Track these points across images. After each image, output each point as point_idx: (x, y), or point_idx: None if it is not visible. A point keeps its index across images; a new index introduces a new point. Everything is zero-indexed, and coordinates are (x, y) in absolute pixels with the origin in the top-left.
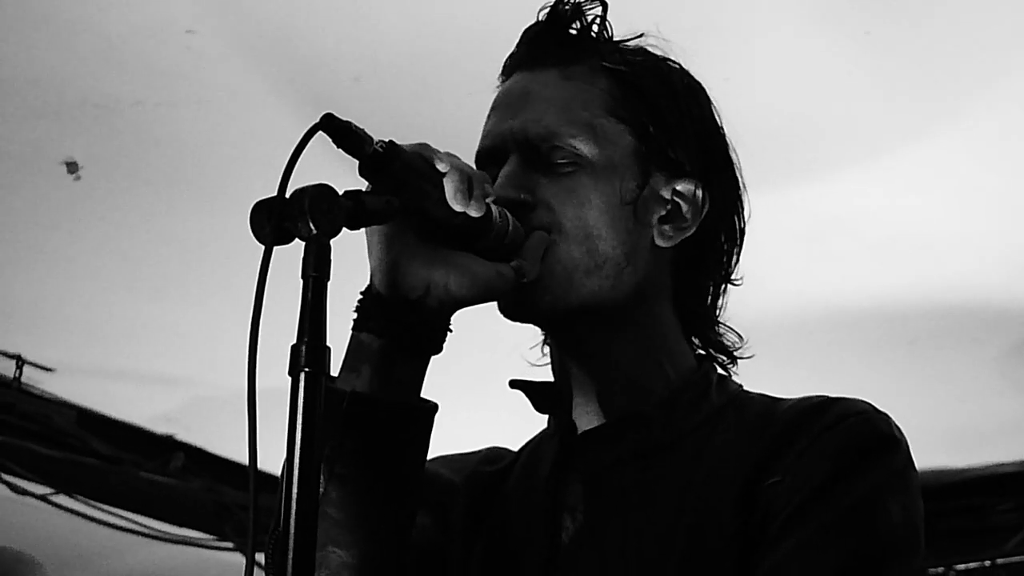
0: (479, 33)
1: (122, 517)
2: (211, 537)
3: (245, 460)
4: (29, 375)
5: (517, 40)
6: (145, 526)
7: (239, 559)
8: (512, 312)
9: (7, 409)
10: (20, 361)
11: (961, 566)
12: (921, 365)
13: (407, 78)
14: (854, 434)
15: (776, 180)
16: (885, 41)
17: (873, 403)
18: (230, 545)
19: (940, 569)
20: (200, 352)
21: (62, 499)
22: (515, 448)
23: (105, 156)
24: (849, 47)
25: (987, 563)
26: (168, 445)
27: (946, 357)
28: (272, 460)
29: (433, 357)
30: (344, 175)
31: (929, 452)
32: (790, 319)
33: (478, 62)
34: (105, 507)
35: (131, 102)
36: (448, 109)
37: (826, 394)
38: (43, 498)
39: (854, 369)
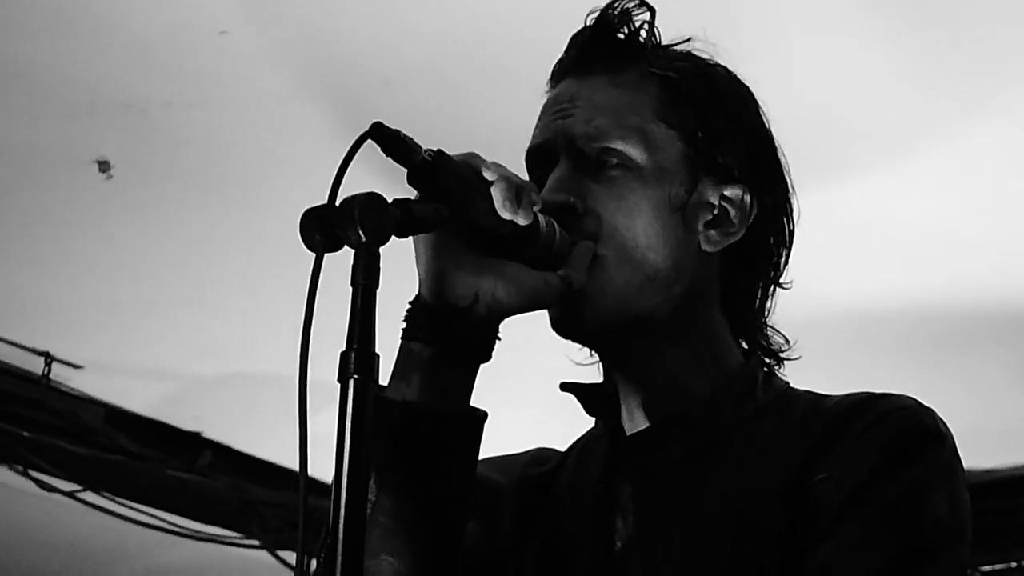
0: (510, 36)
1: (149, 514)
2: (237, 535)
3: (271, 458)
4: (57, 372)
5: (562, 46)
6: (171, 523)
7: (265, 556)
8: (566, 331)
9: (36, 406)
10: (49, 358)
11: (987, 567)
12: (947, 366)
13: (438, 81)
14: (900, 429)
15: (804, 182)
16: (914, 43)
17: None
18: (256, 543)
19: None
20: (228, 350)
21: (89, 496)
22: (561, 448)
23: (137, 156)
24: (879, 49)
25: (1014, 564)
26: (195, 442)
27: (972, 358)
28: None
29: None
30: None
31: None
32: (816, 319)
33: (509, 65)
34: (132, 504)
35: (162, 103)
36: (479, 111)
37: (871, 390)
38: (71, 495)
39: (879, 370)
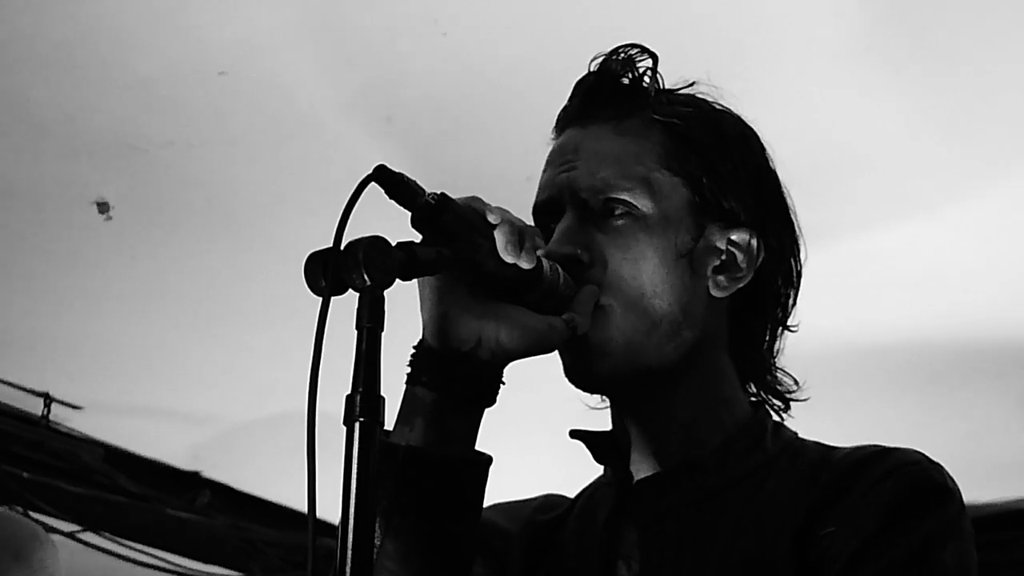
0: (511, 74)
1: (149, 554)
2: (237, 574)
3: (271, 497)
4: (57, 413)
5: (559, 81)
6: (172, 563)
7: None
8: (578, 382)
9: (35, 447)
10: (48, 399)
11: None
12: (945, 400)
13: (439, 118)
14: (908, 484)
15: (805, 218)
16: (913, 77)
17: (926, 452)
18: None
19: None
20: (227, 389)
21: (90, 536)
22: (571, 495)
23: (136, 196)
24: (876, 83)
25: None
26: (194, 482)
27: (970, 392)
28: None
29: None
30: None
31: None
32: (816, 353)
33: (510, 103)
34: (132, 544)
35: (163, 142)
36: (480, 148)
37: (880, 444)
38: (71, 535)
39: (878, 403)
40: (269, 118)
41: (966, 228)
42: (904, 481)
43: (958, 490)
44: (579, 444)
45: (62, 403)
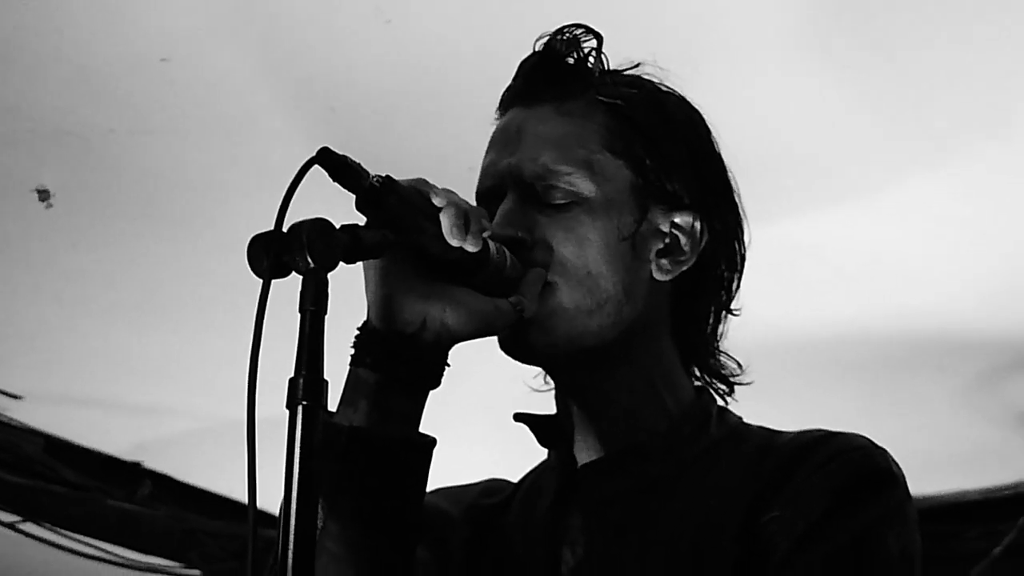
0: (457, 60)
1: (90, 545)
2: (178, 564)
3: (212, 487)
4: None
5: (506, 69)
6: (113, 554)
7: None
8: (514, 353)
9: None
10: None
11: None
12: (890, 392)
13: (384, 107)
14: (853, 469)
15: (748, 208)
16: (861, 73)
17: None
18: (197, 573)
19: None
20: (168, 380)
21: (30, 527)
22: (514, 479)
23: (77, 184)
24: (826, 78)
25: None
26: (136, 473)
27: (915, 385)
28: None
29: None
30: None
31: None
32: (762, 346)
33: (456, 89)
34: (73, 535)
35: (104, 130)
36: (426, 137)
37: (824, 428)
38: (11, 526)
39: (823, 395)
40: (211, 106)
41: (909, 219)
42: (849, 466)
43: (902, 475)
44: (522, 432)
45: (2, 393)
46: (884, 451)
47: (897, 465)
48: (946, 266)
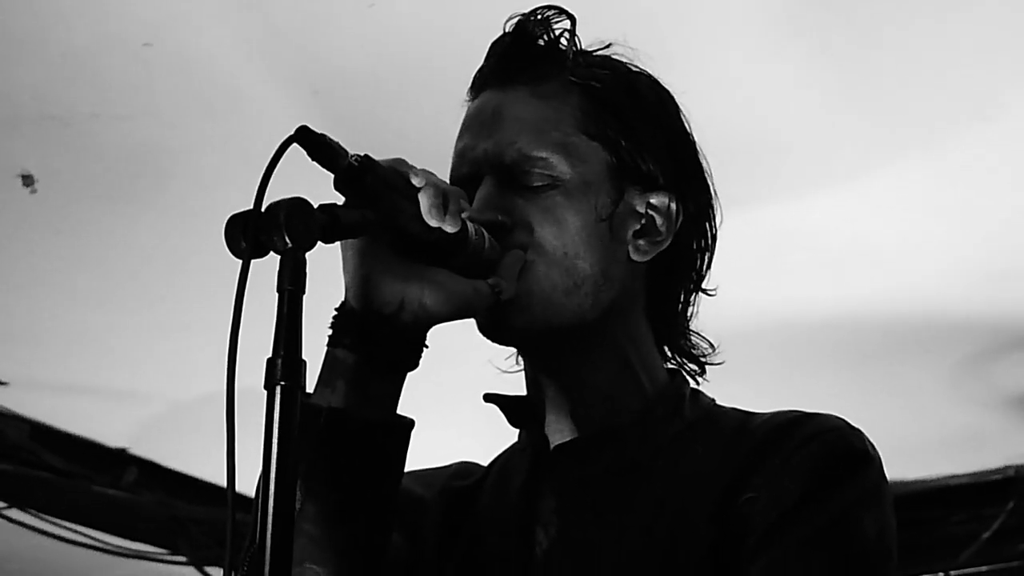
0: (438, 42)
1: (75, 531)
2: (164, 551)
3: (197, 474)
4: None
5: (485, 54)
6: (98, 540)
7: (192, 573)
8: (491, 333)
9: None
10: None
11: None
12: (874, 377)
13: (367, 90)
14: (828, 450)
15: (731, 193)
16: (842, 58)
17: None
18: (183, 559)
19: None
20: (154, 366)
21: (15, 513)
22: (485, 463)
23: (60, 169)
24: (807, 63)
25: (940, 575)
26: (121, 459)
27: (899, 369)
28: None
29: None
30: (315, 187)
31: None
32: (744, 330)
33: (437, 72)
34: (58, 521)
35: (87, 114)
36: (409, 120)
37: (799, 409)
38: None
39: (807, 380)
40: (195, 90)
41: (894, 202)
42: (824, 447)
43: (878, 456)
44: (492, 414)
45: None
46: (860, 432)
47: (873, 446)
48: (931, 249)
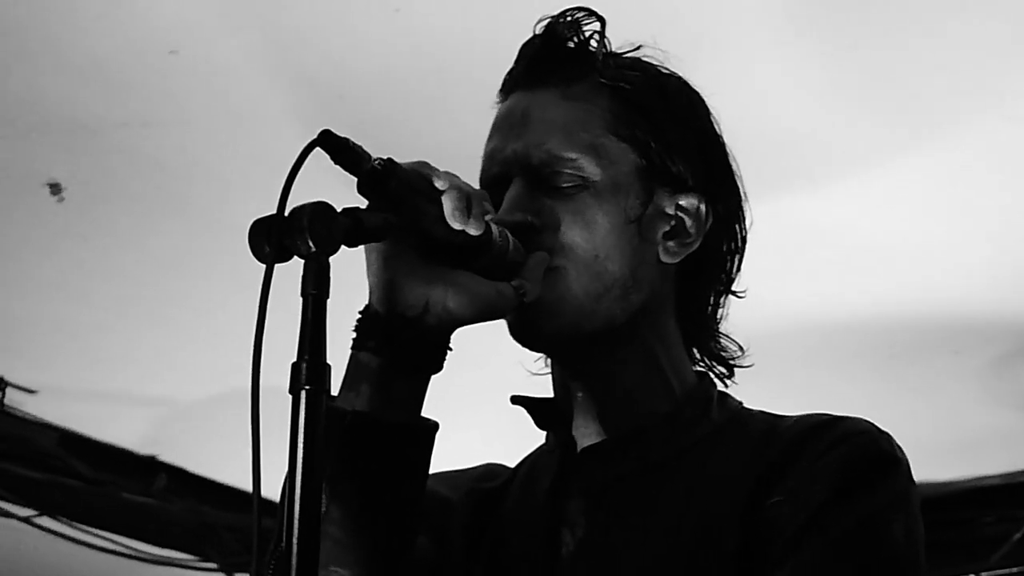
0: (463, 47)
1: (105, 538)
2: (194, 558)
3: (227, 480)
4: (11, 397)
5: (514, 56)
6: (128, 547)
7: None
8: (522, 339)
9: None
10: (2, 383)
11: None
12: (902, 377)
13: (391, 94)
14: (856, 454)
15: (756, 192)
16: (866, 56)
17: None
18: (213, 566)
19: None
20: (182, 372)
21: (45, 521)
22: (511, 464)
23: (89, 177)
24: (830, 61)
25: None
26: (150, 466)
27: (927, 369)
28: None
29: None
30: (338, 190)
31: (911, 465)
32: (770, 330)
33: (461, 76)
34: (88, 529)
35: (115, 123)
36: (433, 124)
37: (828, 412)
38: (26, 520)
39: (834, 381)
40: (221, 97)
41: (922, 202)
42: (853, 451)
43: (906, 459)
44: (518, 420)
45: (16, 387)
46: (888, 435)
47: (901, 449)
48: (959, 249)
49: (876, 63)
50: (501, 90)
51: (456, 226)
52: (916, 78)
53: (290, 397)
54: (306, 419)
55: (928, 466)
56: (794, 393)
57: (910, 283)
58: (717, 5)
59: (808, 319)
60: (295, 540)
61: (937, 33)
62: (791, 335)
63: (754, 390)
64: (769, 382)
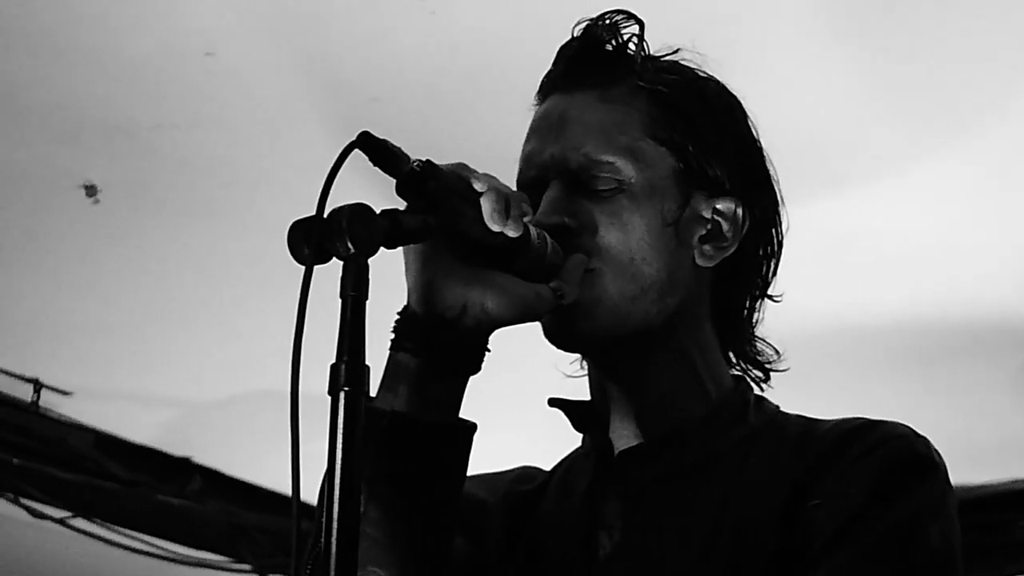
0: (498, 50)
1: (140, 540)
2: (227, 559)
3: (261, 482)
4: (47, 399)
5: (549, 58)
6: (162, 549)
7: None
8: (558, 341)
9: (25, 433)
10: (38, 385)
11: None
12: (938, 380)
13: (427, 97)
14: (894, 458)
15: (792, 195)
16: (898, 59)
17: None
18: (247, 567)
19: None
20: (217, 374)
21: (80, 522)
22: (547, 467)
23: (124, 179)
24: (862, 65)
25: None
26: (185, 468)
27: (963, 373)
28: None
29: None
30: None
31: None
32: (806, 334)
33: (498, 79)
34: (123, 530)
35: (150, 125)
36: (468, 127)
37: (865, 416)
38: (61, 521)
39: (870, 384)
40: (256, 99)
41: (956, 204)
42: (890, 455)
43: (943, 463)
44: (555, 422)
45: (52, 389)
46: (925, 439)
47: (938, 453)
48: (993, 252)
49: (907, 67)
50: (539, 92)
51: (495, 228)
52: (947, 82)
53: (327, 399)
54: (345, 420)
55: (963, 469)
56: (825, 396)
57: (942, 286)
58: (750, 9)
59: (840, 322)
60: (334, 541)
61: (969, 36)
62: (823, 338)
63: (784, 392)
64: (800, 385)
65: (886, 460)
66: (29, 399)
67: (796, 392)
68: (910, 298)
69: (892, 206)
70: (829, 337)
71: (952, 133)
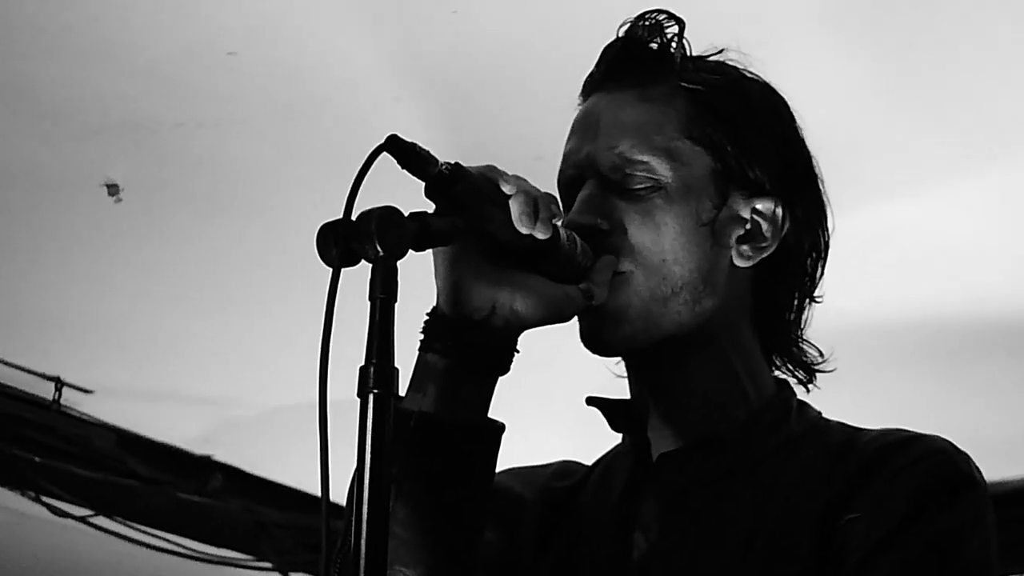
0: (521, 50)
1: (161, 538)
2: (249, 557)
3: (283, 480)
4: (68, 397)
5: (575, 59)
6: (184, 547)
7: None
8: (592, 345)
9: (47, 431)
10: (59, 383)
11: None
12: (961, 378)
13: (448, 96)
14: (934, 473)
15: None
16: (927, 60)
17: (952, 440)
18: (268, 565)
19: None
20: (238, 372)
21: (102, 521)
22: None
23: (146, 178)
24: (898, 70)
25: None
26: (206, 466)
27: (987, 370)
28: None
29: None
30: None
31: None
32: (829, 333)
33: (522, 79)
34: (144, 528)
35: (172, 123)
36: (489, 126)
37: (907, 429)
38: (83, 520)
39: (894, 382)
40: (279, 99)
41: (983, 203)
42: (931, 471)
43: (983, 480)
44: (586, 420)
45: (73, 387)
46: (966, 456)
47: (978, 470)
48: (1017, 250)
49: (943, 72)
50: (581, 92)
51: (523, 230)
52: (980, 88)
53: (354, 403)
54: (374, 423)
55: (985, 465)
56: (855, 394)
57: (969, 284)
58: (779, 9)
59: (869, 321)
60: (363, 542)
61: (1007, 39)
62: (852, 337)
63: (814, 391)
64: (830, 383)
65: (927, 476)
66: (51, 397)
67: (823, 389)
68: (933, 296)
69: (920, 207)
70: (852, 335)
71: (981, 137)
